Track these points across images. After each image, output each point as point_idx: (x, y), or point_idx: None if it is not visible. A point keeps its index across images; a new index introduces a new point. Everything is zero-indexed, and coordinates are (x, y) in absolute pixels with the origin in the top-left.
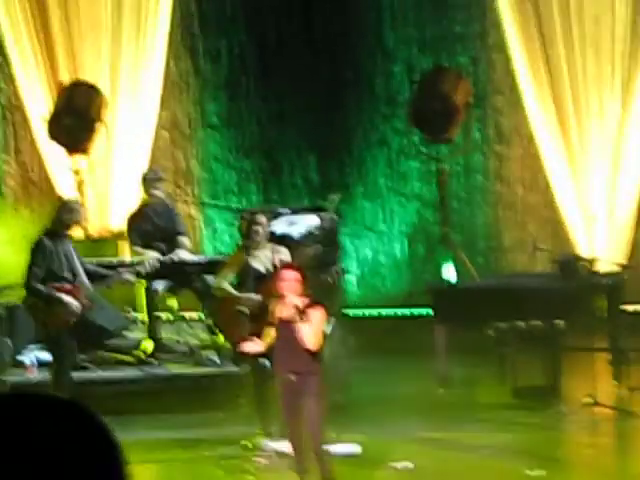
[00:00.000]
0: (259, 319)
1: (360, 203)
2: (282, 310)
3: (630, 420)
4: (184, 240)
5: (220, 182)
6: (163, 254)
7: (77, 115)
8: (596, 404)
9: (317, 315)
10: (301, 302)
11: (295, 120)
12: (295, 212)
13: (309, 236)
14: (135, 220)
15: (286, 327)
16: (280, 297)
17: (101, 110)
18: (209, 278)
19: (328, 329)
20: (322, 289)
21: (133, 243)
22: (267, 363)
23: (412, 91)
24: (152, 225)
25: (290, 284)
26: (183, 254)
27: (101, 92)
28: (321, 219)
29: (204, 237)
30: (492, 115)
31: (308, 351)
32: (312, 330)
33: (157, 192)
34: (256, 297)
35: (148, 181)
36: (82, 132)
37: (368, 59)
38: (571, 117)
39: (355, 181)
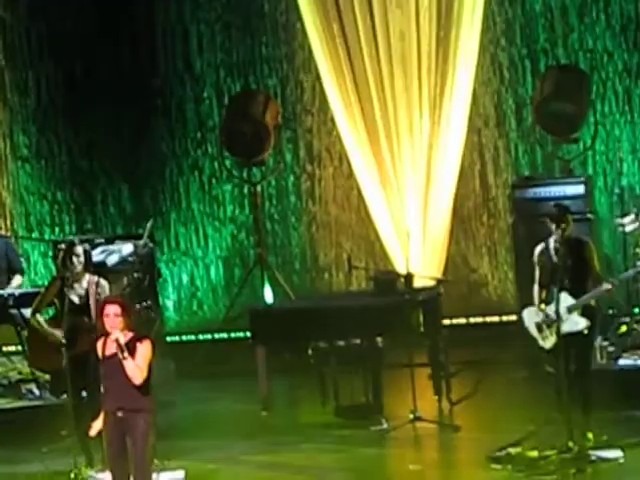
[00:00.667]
0: (73, 349)
1: (175, 229)
2: (105, 347)
3: (452, 433)
4: (17, 277)
5: (33, 214)
6: None
7: None
8: (418, 419)
9: (142, 348)
10: (125, 336)
11: (106, 149)
12: (109, 241)
13: (125, 264)
14: None
15: (111, 363)
16: (103, 333)
17: None
18: (25, 311)
19: None
20: (139, 320)
21: None
22: (84, 394)
23: (222, 115)
24: None
25: (112, 319)
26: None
27: None
28: (136, 247)
29: None
30: (303, 136)
31: (135, 387)
32: (138, 364)
33: None
34: (59, 334)
35: None
36: None
37: (177, 85)
38: (381, 134)
39: (169, 207)
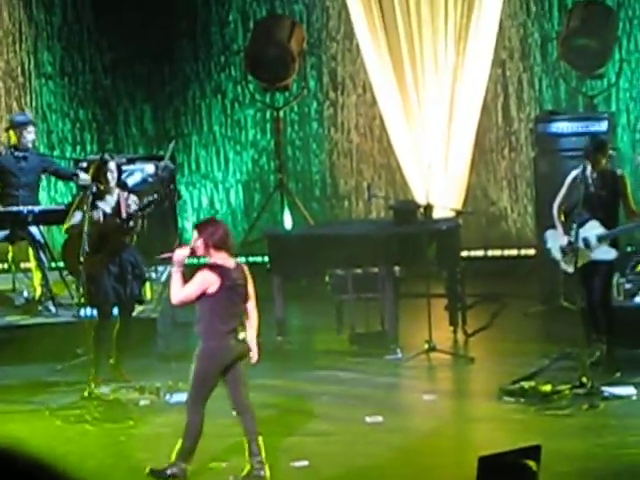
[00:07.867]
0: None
1: (196, 151)
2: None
3: (467, 365)
4: (81, 174)
5: (55, 131)
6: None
7: None
8: (433, 349)
9: None
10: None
11: (130, 69)
12: (131, 161)
13: (145, 185)
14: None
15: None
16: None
17: None
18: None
19: (163, 277)
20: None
21: None
22: (115, 311)
23: (247, 39)
24: (18, 170)
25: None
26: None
27: None
28: (157, 167)
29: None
30: (327, 63)
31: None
32: None
33: (30, 136)
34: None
35: (18, 125)
36: None
37: (203, 8)
38: (406, 64)
39: (190, 130)
